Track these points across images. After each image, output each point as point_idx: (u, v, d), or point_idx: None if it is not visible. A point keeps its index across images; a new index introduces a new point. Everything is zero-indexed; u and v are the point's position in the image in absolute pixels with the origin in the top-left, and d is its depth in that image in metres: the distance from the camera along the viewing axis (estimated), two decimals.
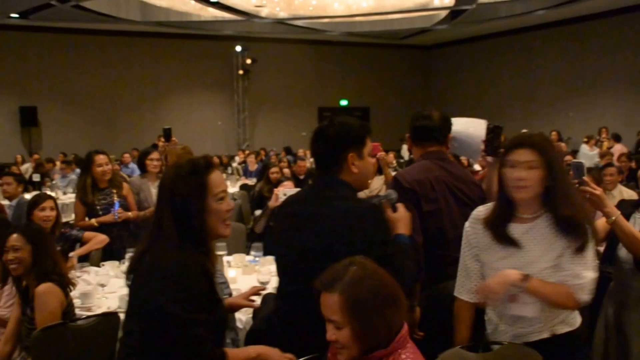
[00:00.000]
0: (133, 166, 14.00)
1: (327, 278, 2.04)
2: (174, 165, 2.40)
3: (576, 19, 17.43)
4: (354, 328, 1.97)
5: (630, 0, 15.50)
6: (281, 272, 2.74)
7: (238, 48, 19.53)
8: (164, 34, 18.47)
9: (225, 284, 3.63)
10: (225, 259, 4.69)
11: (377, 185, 6.38)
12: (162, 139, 8.26)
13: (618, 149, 13.44)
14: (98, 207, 5.51)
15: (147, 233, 2.34)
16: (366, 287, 1.99)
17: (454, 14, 16.51)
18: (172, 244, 2.21)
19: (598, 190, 2.93)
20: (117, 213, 5.46)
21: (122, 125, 18.79)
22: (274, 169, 7.75)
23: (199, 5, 15.43)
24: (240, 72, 20.00)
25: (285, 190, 5.21)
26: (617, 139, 14.20)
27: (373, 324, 1.98)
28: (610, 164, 7.38)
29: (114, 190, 5.62)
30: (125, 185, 5.91)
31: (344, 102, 22.18)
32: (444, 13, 16.80)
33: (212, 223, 2.30)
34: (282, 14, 16.47)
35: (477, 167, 7.28)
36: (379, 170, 6.35)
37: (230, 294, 3.46)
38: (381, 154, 5.92)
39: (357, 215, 2.53)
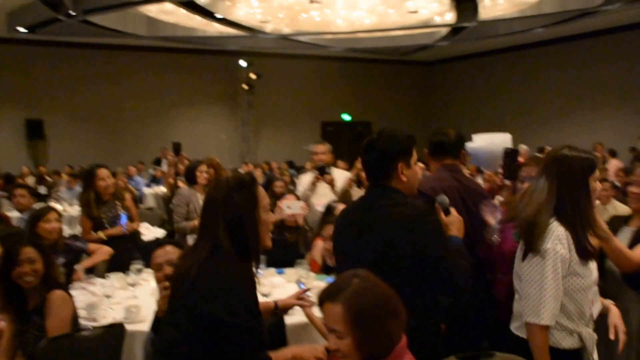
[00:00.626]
0: (138, 179, 14.11)
1: (331, 289, 2.09)
2: (222, 181, 2.51)
3: (573, 36, 17.54)
4: (355, 338, 2.01)
5: (624, 20, 15.61)
6: None
7: (243, 63, 19.54)
8: (170, 49, 18.56)
9: None
10: None
11: None
12: (170, 153, 8.37)
13: (614, 164, 13.48)
14: (104, 220, 5.51)
15: (195, 245, 2.44)
16: (368, 298, 2.03)
17: (454, 31, 16.52)
18: (227, 256, 2.31)
19: None
20: (125, 226, 5.47)
21: (127, 138, 18.80)
22: (278, 183, 7.81)
23: (204, 21, 15.48)
24: (245, 86, 19.98)
25: (289, 203, 5.22)
26: (612, 154, 14.31)
27: (374, 334, 2.02)
28: (604, 179, 7.39)
29: (118, 202, 5.63)
30: (127, 196, 5.93)
31: (346, 117, 22.16)
32: (445, 30, 16.81)
33: (261, 234, 2.44)
34: (287, 30, 16.49)
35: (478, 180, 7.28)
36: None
37: None
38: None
39: (413, 219, 2.67)
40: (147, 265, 4.61)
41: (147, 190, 13.04)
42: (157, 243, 3.55)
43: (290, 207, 5.13)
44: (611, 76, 17.27)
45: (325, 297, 2.08)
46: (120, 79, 18.84)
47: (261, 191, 2.48)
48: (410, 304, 2.50)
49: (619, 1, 13.01)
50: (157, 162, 15.98)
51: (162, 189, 12.27)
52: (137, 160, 16.20)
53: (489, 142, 3.72)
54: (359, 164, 5.43)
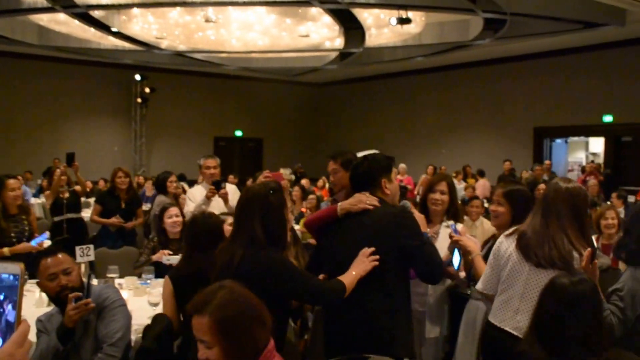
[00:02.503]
0: (26, 189, 13.30)
1: (198, 301, 2.08)
2: (258, 186, 2.98)
3: (449, 66, 18.23)
4: (223, 347, 2.02)
5: (494, 53, 16.50)
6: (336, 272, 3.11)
7: (137, 77, 19.07)
8: (63, 59, 17.68)
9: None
10: (117, 281, 4.58)
11: None
12: (63, 163, 7.99)
13: (481, 183, 14.18)
14: (12, 235, 5.13)
15: (232, 238, 2.84)
16: (234, 309, 2.05)
17: (343, 55, 16.84)
18: (262, 245, 2.72)
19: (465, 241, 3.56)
20: (42, 244, 4.95)
21: (17, 147, 17.69)
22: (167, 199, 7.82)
23: (99, 34, 15.01)
24: (139, 100, 19.50)
25: (170, 257, 4.83)
26: (481, 174, 14.95)
27: (240, 342, 2.04)
28: (475, 197, 7.57)
29: (24, 217, 5.29)
30: (32, 210, 5.59)
31: (238, 133, 22.03)
32: (334, 54, 17.11)
33: (287, 230, 2.86)
34: (182, 47, 16.29)
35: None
36: None
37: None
38: (284, 182, 6.08)
39: (397, 215, 3.10)
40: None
41: (34, 200, 12.46)
42: (45, 251, 3.33)
43: (169, 259, 4.84)
44: (482, 103, 18.18)
45: (192, 310, 2.07)
46: (9, 87, 17.79)
47: (286, 195, 2.91)
48: (392, 290, 2.99)
49: (488, 37, 13.87)
50: (47, 173, 15.22)
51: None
52: (24, 170, 15.36)
53: None
54: (263, 178, 5.52)
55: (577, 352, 2.42)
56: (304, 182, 12.45)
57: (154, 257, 5.00)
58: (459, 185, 13.79)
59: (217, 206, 5.75)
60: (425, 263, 2.99)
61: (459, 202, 4.07)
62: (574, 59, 15.87)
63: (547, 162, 15.12)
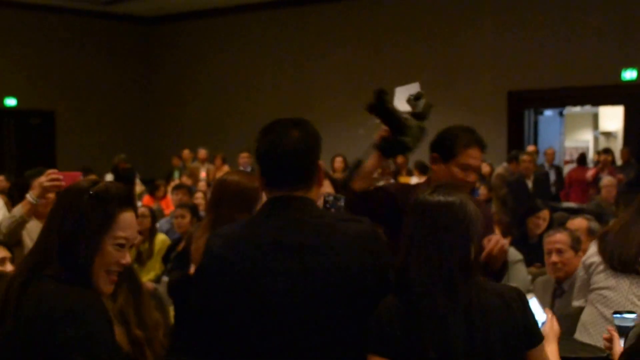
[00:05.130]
0: None
1: None
2: (81, 182, 2.55)
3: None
4: None
5: None
6: None
7: None
8: None
9: None
10: None
11: None
12: None
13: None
14: None
15: (23, 260, 2.45)
16: None
17: None
18: (54, 277, 2.25)
19: None
20: None
21: None
22: None
23: None
24: None
25: None
26: (422, 169, 13.74)
27: None
28: None
29: None
30: None
31: (10, 102, 18.01)
32: None
33: (95, 270, 2.28)
34: None
35: None
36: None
37: None
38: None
39: (364, 234, 3.03)
40: None
41: None
42: None
43: None
44: (426, 53, 16.49)
45: None
46: None
47: (126, 218, 2.29)
48: None
49: None
50: None
51: None
52: None
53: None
54: (47, 182, 4.55)
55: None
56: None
57: None
58: None
59: None
60: None
61: None
62: None
63: (530, 147, 14.04)
